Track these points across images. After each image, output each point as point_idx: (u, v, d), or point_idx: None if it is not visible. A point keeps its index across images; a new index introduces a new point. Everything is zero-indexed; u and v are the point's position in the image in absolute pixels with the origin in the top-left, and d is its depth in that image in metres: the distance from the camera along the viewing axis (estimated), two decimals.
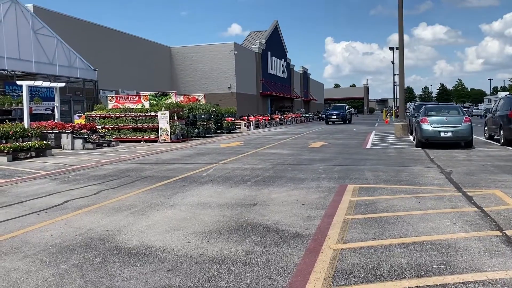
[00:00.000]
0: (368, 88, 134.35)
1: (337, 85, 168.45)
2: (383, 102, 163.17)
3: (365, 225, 5.56)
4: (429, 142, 15.31)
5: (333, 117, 44.01)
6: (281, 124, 45.28)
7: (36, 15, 26.36)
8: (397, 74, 52.67)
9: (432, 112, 16.10)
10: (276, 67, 65.21)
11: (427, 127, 15.18)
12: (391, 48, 61.15)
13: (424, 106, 18.03)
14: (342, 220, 5.82)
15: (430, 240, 4.89)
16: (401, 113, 25.11)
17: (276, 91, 62.03)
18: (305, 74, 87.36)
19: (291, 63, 75.13)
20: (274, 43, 64.04)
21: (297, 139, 22.05)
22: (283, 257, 4.45)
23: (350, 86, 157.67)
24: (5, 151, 13.62)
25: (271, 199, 7.29)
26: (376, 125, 38.78)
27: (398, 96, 60.24)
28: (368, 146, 17.17)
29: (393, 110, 57.72)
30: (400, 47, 23.97)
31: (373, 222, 5.72)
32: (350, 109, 52.68)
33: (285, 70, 70.56)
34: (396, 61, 68.27)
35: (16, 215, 6.53)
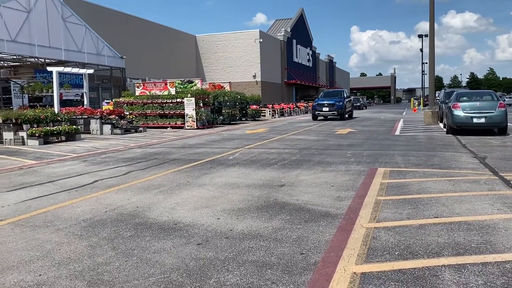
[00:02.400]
0: (395, 77, 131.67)
1: (363, 74, 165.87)
2: (410, 91, 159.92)
3: (398, 206, 5.40)
4: (460, 129, 14.83)
5: (324, 109, 27.22)
6: (306, 112, 44.86)
7: (65, 4, 26.75)
8: (426, 63, 51.24)
9: (464, 98, 15.57)
10: (301, 55, 64.52)
11: (458, 113, 14.70)
12: (420, 36, 59.56)
13: (455, 92, 17.47)
14: (374, 201, 5.67)
15: (467, 221, 4.70)
16: (431, 100, 24.43)
17: (301, 79, 61.47)
18: (330, 63, 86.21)
19: (316, 52, 74.20)
20: (300, 31, 63.30)
21: (323, 126, 21.78)
22: (314, 234, 4.35)
23: (377, 75, 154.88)
24: (37, 134, 13.93)
25: (299, 181, 7.19)
26: (404, 114, 37.95)
27: (426, 85, 58.86)
28: (397, 133, 16.79)
29: (421, 99, 56.34)
30: (431, 33, 23.24)
31: (406, 203, 5.55)
32: (351, 98, 33.69)
33: (310, 58, 69.75)
34: (425, 49, 66.71)
35: (48, 192, 6.65)
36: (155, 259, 3.74)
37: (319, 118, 28.02)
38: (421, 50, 61.51)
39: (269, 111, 34.51)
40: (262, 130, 19.60)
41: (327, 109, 27.12)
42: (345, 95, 29.72)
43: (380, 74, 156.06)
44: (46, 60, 25.79)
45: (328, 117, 27.61)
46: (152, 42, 40.27)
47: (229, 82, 30.45)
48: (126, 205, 5.72)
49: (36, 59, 26.49)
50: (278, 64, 54.96)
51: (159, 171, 8.48)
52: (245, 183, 7.10)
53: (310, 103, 50.46)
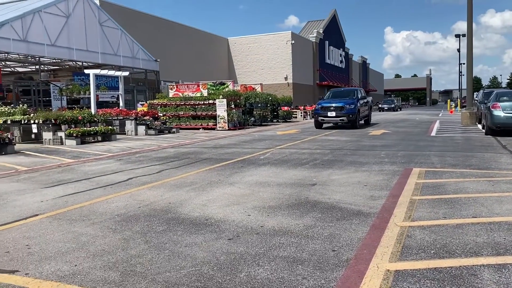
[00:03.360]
0: (431, 79, 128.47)
1: (397, 76, 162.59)
2: (446, 93, 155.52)
3: (433, 205, 5.24)
4: (500, 129, 14.27)
5: (329, 114, 19.99)
6: None
7: (102, 8, 27.56)
8: (464, 63, 49.65)
9: (505, 98, 14.97)
10: (334, 56, 63.91)
11: (498, 113, 14.14)
12: (457, 36, 57.97)
13: (495, 92, 16.83)
14: (409, 201, 5.52)
15: (508, 221, 4.50)
16: (469, 101, 23.63)
17: (334, 81, 60.88)
18: (364, 64, 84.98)
19: (349, 53, 73.33)
20: (332, 32, 62.75)
21: (355, 128, 21.45)
22: (347, 232, 4.28)
23: (412, 76, 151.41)
24: (74, 134, 14.38)
25: (331, 180, 7.10)
26: (440, 115, 36.92)
27: (464, 86, 57.00)
28: (433, 134, 16.33)
29: (458, 100, 54.60)
30: (469, 33, 22.51)
31: (442, 202, 5.38)
32: (367, 99, 23.92)
33: (343, 59, 68.98)
34: (463, 50, 64.72)
35: (84, 189, 6.84)
36: (187, 253, 3.77)
37: (325, 125, 21.19)
38: (458, 50, 59.74)
39: (301, 113, 34.34)
40: (293, 131, 19.51)
41: (333, 114, 19.59)
42: (359, 95, 21.49)
43: (415, 75, 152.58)
44: (84, 63, 26.64)
45: (337, 123, 20.34)
46: (186, 45, 40.89)
47: (261, 84, 30.51)
48: (159, 201, 5.80)
49: (74, 63, 27.42)
50: (310, 65, 54.67)
51: (191, 169, 8.57)
52: (276, 181, 7.07)
53: None
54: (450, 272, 3.21)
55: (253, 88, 28.95)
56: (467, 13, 22.03)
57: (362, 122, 22.34)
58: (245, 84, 30.38)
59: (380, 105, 60.34)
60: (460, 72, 66.58)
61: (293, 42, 47.75)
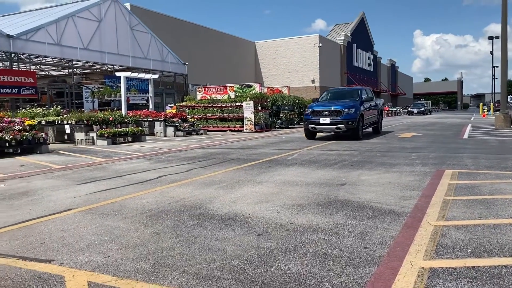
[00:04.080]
0: (462, 82, 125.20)
1: (427, 79, 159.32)
2: (478, 97, 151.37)
3: (468, 206, 5.08)
4: None
5: (322, 120, 15.22)
6: None
7: (132, 13, 28.15)
8: (497, 66, 48.17)
9: None
10: (362, 59, 63.23)
11: None
12: (490, 38, 56.28)
13: None
14: (442, 201, 5.37)
15: None
16: (503, 104, 22.91)
17: (362, 84, 60.16)
18: (392, 67, 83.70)
19: (377, 56, 72.39)
20: (360, 35, 62.12)
21: (385, 130, 21.12)
22: (378, 230, 4.20)
23: (442, 80, 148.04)
24: (106, 135, 14.70)
25: (361, 180, 6.99)
26: (472, 119, 35.92)
27: (497, 90, 55.29)
28: (465, 137, 15.89)
29: (491, 103, 52.99)
30: (503, 35, 21.85)
31: (477, 203, 5.21)
32: (376, 102, 18.59)
33: (371, 62, 68.14)
34: (496, 52, 62.93)
35: (116, 186, 6.97)
36: (217, 247, 3.78)
37: (318, 135, 16.53)
38: (491, 53, 58.11)
39: None
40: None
41: (327, 120, 14.89)
42: (363, 96, 16.44)
43: (445, 79, 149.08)
44: (115, 67, 27.26)
45: (337, 132, 15.47)
46: (213, 49, 41.28)
47: (287, 87, 30.45)
48: (188, 198, 5.85)
49: (105, 66, 28.10)
50: (337, 68, 54.25)
51: (219, 169, 8.61)
52: (304, 181, 7.02)
53: None
54: (488, 271, 3.10)
55: (280, 91, 28.93)
56: (502, 14, 21.41)
57: (370, 129, 17.98)
58: (272, 87, 30.38)
59: (409, 109, 59.26)
60: (493, 75, 64.70)
61: (320, 45, 47.51)
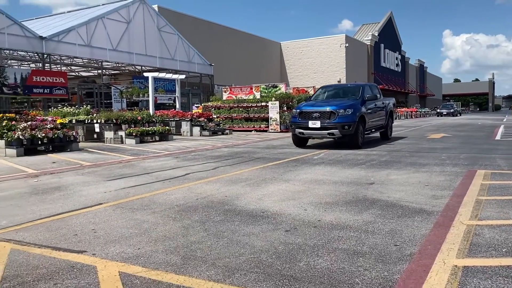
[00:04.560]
0: (493, 83, 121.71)
1: (456, 80, 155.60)
2: (511, 98, 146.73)
3: (502, 206, 4.92)
4: None
5: (311, 123, 12.00)
6: (394, 118, 43.11)
7: (160, 14, 28.57)
8: None
9: None
10: (389, 60, 62.31)
11: None
12: None
13: None
14: (474, 200, 5.23)
15: None
16: None
17: (389, 84, 59.30)
18: (421, 68, 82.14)
19: (406, 56, 71.17)
20: (388, 35, 61.23)
21: (414, 131, 20.75)
22: (409, 228, 4.12)
23: (473, 81, 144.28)
24: (134, 134, 14.97)
25: (390, 180, 6.88)
26: (504, 120, 34.86)
27: None
28: (498, 138, 15.43)
29: None
30: None
31: None
32: (383, 100, 14.82)
33: (399, 63, 67.08)
34: None
35: (144, 182, 7.08)
36: (245, 241, 3.78)
37: (294, 140, 13.18)
38: None
39: None
40: None
41: (317, 123, 11.89)
42: (366, 94, 13.27)
43: (476, 79, 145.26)
44: (143, 67, 27.73)
45: (334, 138, 12.33)
46: (239, 50, 41.47)
47: (313, 87, 30.24)
48: (215, 194, 5.89)
49: (133, 67, 28.62)
50: (364, 69, 53.62)
51: (245, 167, 8.64)
52: (332, 180, 6.96)
53: (398, 109, 48.35)
54: None
55: (306, 91, 28.78)
56: None
57: (377, 134, 15.01)
58: (297, 87, 30.25)
59: (438, 110, 58.03)
60: None
61: (347, 45, 47.07)
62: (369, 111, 12.90)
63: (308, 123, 12.00)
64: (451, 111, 54.49)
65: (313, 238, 3.85)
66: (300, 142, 12.86)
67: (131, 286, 2.90)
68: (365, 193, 5.86)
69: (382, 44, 58.75)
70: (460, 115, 58.32)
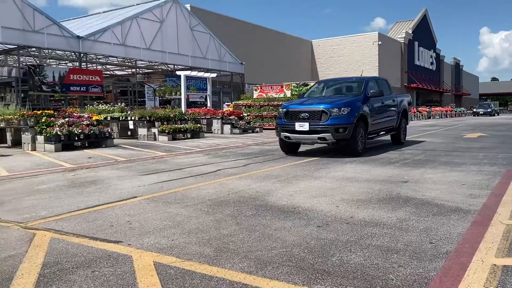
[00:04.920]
0: None
1: (494, 79, 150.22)
2: None
3: None
4: None
5: (298, 126, 9.75)
6: (428, 117, 42.11)
7: (193, 13, 28.92)
8: None
9: None
10: (424, 58, 60.84)
11: None
12: None
13: None
14: None
15: None
16: None
17: (423, 83, 57.93)
18: (457, 66, 79.81)
19: (441, 54, 69.31)
20: (422, 33, 59.79)
21: (449, 131, 20.19)
22: (444, 226, 4.02)
23: None
24: (166, 131, 15.23)
25: (424, 179, 6.72)
26: None
27: None
28: None
29: None
30: None
31: None
32: (394, 99, 12.29)
33: (434, 61, 65.39)
34: None
35: (177, 177, 7.19)
36: (277, 235, 3.79)
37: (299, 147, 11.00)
38: None
39: None
40: None
41: (305, 126, 9.74)
42: (369, 90, 10.85)
43: None
44: (175, 66, 28.15)
45: (314, 143, 10.55)
46: (270, 48, 41.46)
47: None
48: (246, 190, 5.92)
49: (166, 66, 29.09)
50: (397, 67, 52.59)
51: (275, 164, 8.64)
52: (364, 178, 6.86)
53: (433, 108, 47.19)
54: None
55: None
56: None
57: (387, 136, 12.46)
58: None
59: (475, 109, 56.24)
60: None
61: (380, 43, 46.29)
62: (373, 110, 10.59)
63: (295, 125, 9.74)
64: (488, 110, 52.70)
65: (346, 234, 3.82)
66: (289, 148, 10.58)
67: (166, 275, 2.96)
68: (398, 191, 5.75)
69: (416, 42, 57.42)
70: (498, 115, 56.30)
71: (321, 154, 10.21)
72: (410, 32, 55.59)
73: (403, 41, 53.57)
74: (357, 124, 9.63)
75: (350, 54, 47.80)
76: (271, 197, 5.40)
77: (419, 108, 44.63)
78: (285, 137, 10.07)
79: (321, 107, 9.68)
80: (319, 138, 9.60)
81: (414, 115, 39.08)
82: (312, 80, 44.16)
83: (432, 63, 64.37)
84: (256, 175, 7.28)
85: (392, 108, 11.99)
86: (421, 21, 59.62)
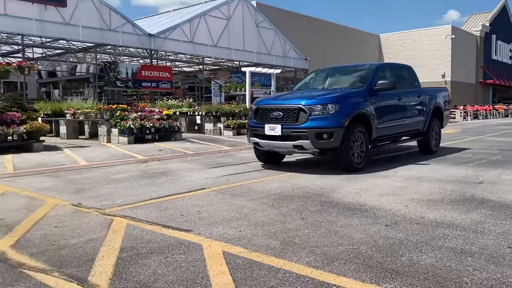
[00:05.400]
0: None
1: None
2: None
3: None
4: None
5: (268, 129, 7.19)
6: (506, 116, 39.30)
7: (258, 10, 29.14)
8: None
9: None
10: (502, 52, 56.73)
11: None
12: None
13: None
14: None
15: None
16: None
17: (501, 79, 54.08)
18: None
19: None
20: (501, 25, 55.75)
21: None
22: None
23: None
24: (231, 126, 15.54)
25: (502, 180, 6.31)
26: None
27: None
28: None
29: None
30: None
31: None
32: (422, 93, 9.48)
33: None
34: None
35: (242, 171, 7.34)
36: (343, 232, 3.76)
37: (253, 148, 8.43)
38: None
39: (460, 113, 31.39)
40: (452, 131, 17.93)
41: (277, 128, 7.09)
42: (376, 80, 7.98)
43: None
44: (240, 63, 28.57)
45: (291, 153, 7.84)
46: (335, 43, 40.80)
47: None
48: (311, 186, 5.91)
49: (231, 62, 29.61)
50: (472, 62, 49.55)
51: None
52: (435, 177, 6.58)
53: (511, 106, 43.98)
54: None
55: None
56: None
57: (412, 141, 9.56)
58: None
59: None
60: None
61: (453, 36, 43.86)
62: (382, 108, 7.97)
63: (263, 127, 7.26)
64: None
65: (416, 234, 3.70)
66: (268, 156, 8.06)
67: (234, 265, 3.05)
68: (473, 192, 5.46)
69: (494, 35, 53.66)
70: None
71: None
72: (487, 24, 52.07)
73: (479, 35, 50.32)
74: (350, 127, 7.00)
75: (420, 49, 45.74)
76: (337, 194, 5.35)
77: (496, 106, 41.75)
78: (255, 143, 7.64)
79: (299, 103, 7.04)
80: (295, 146, 6.95)
81: (490, 113, 36.69)
82: None
83: (511, 58, 59.90)
84: (320, 171, 7.23)
85: (417, 106, 9.20)
86: (500, 13, 55.60)
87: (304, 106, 6.95)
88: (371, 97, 7.69)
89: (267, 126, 7.23)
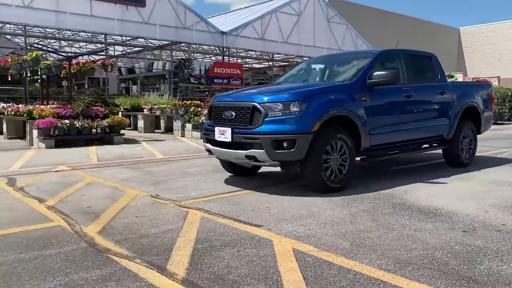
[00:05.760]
0: None
1: None
2: None
3: None
4: None
5: (218, 133, 5.65)
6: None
7: (330, 5, 28.73)
8: None
9: None
10: None
11: None
12: None
13: None
14: None
15: None
16: None
17: None
18: None
19: None
20: None
21: None
22: None
23: None
24: None
25: None
26: None
27: None
28: None
29: None
30: None
31: None
32: (445, 87, 7.25)
33: None
34: None
35: None
36: (416, 236, 3.66)
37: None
38: None
39: None
40: None
41: (227, 133, 5.49)
42: (369, 71, 6.00)
43: None
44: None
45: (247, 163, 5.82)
46: (410, 37, 39.08)
47: (498, 77, 26.82)
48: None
49: (301, 58, 29.50)
50: None
51: (414, 162, 8.22)
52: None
53: None
54: None
55: (488, 82, 25.69)
56: None
57: (433, 150, 7.56)
58: (477, 77, 27.21)
59: None
60: None
61: None
62: (380, 107, 6.10)
63: (214, 131, 5.78)
64: None
65: (496, 242, 3.51)
66: (233, 166, 6.48)
67: (304, 262, 3.10)
68: None
69: None
70: None
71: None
72: None
73: None
74: (323, 133, 5.24)
75: (505, 42, 42.48)
76: (409, 196, 5.19)
77: None
78: (207, 150, 6.18)
79: (252, 100, 5.43)
80: (247, 157, 5.32)
81: None
82: (459, 70, 40.48)
83: None
84: (393, 170, 7.04)
85: (437, 106, 7.12)
86: None
87: (259, 104, 5.25)
88: (362, 93, 5.80)
89: (217, 130, 5.68)
